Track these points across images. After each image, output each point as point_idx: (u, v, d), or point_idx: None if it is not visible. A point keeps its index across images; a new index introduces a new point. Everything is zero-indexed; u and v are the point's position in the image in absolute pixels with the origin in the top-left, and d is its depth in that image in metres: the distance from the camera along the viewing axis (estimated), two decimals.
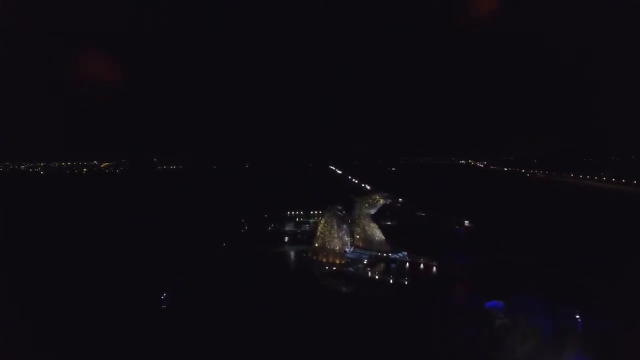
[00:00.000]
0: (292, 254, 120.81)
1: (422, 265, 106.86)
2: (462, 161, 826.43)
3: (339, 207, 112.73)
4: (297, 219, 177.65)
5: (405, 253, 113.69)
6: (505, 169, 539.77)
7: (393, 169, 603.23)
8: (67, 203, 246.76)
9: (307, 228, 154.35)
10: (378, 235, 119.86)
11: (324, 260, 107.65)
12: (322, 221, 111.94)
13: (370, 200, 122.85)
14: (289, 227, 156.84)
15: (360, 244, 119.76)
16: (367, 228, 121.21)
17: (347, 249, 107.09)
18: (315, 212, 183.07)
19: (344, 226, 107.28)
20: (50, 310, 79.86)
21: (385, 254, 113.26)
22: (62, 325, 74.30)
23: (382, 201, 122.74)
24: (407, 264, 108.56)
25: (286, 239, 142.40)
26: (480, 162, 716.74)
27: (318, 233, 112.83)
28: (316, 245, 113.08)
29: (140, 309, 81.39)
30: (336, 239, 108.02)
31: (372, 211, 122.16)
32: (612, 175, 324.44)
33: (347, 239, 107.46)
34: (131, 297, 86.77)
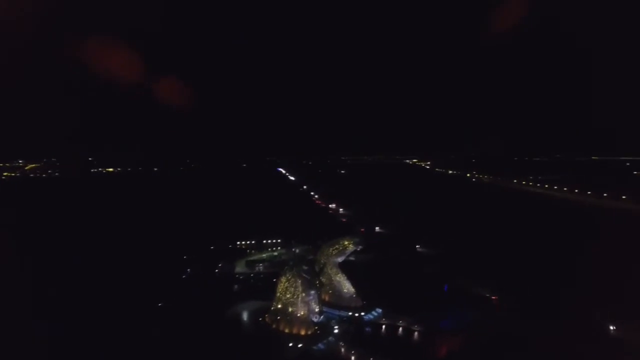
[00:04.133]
0: (245, 315, 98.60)
1: (400, 330, 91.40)
2: (407, 160, 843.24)
3: (305, 267, 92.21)
4: (248, 252, 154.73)
5: (380, 311, 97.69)
6: (450, 171, 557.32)
7: (342, 171, 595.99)
8: None
9: (262, 269, 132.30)
10: (347, 287, 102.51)
11: (286, 329, 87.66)
12: (283, 280, 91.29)
13: (337, 247, 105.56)
14: (239, 269, 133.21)
15: (327, 299, 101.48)
16: (334, 279, 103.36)
17: (314, 318, 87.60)
18: (269, 241, 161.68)
19: (312, 292, 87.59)
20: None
21: (357, 314, 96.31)
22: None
23: (351, 247, 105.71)
24: (384, 328, 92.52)
25: (235, 287, 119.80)
26: (425, 163, 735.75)
27: (278, 294, 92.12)
28: (275, 308, 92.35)
29: None
30: (300, 304, 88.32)
31: (340, 259, 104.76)
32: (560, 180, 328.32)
33: (314, 305, 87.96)
34: None
